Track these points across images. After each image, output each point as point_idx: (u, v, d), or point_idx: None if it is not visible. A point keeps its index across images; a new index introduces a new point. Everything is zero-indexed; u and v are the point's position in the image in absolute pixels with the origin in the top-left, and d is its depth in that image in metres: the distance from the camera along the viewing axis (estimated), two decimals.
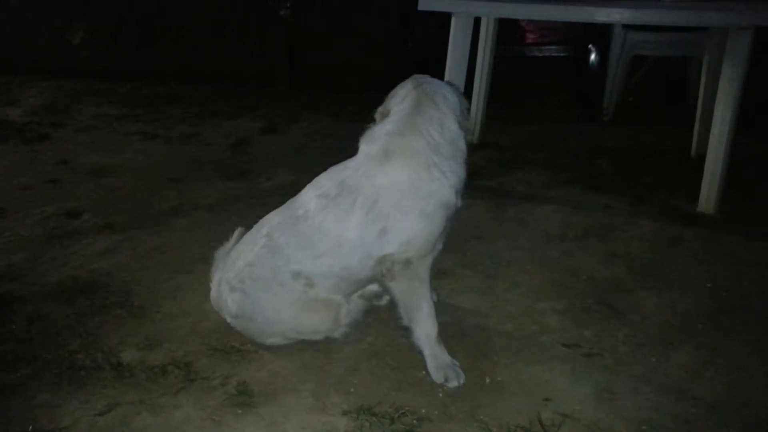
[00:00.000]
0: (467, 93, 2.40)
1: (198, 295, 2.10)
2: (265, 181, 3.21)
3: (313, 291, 1.76)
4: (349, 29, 5.04)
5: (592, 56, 4.19)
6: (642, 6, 2.63)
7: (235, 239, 1.99)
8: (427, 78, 1.89)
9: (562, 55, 4.51)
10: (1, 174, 3.37)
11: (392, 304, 1.81)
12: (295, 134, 4.01)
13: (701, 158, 2.75)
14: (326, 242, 1.72)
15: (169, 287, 2.21)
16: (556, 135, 3.85)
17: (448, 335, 1.83)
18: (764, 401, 1.63)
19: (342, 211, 1.70)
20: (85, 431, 1.58)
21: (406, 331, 1.77)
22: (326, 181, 1.78)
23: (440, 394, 1.66)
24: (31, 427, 1.58)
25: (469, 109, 1.92)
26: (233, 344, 1.87)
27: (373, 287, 1.91)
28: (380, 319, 1.98)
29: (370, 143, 1.78)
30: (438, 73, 2.11)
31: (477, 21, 3.04)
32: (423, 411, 1.60)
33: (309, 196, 1.79)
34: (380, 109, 1.88)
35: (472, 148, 1.91)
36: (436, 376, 1.70)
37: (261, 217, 1.91)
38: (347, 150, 1.84)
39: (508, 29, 4.08)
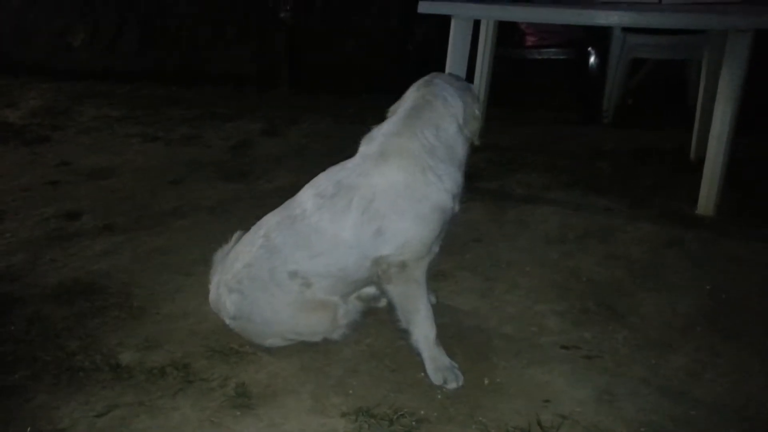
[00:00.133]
0: None
1: (197, 296, 2.10)
2: (266, 182, 3.22)
3: (310, 291, 1.76)
4: (349, 30, 5.05)
5: (592, 59, 4.20)
6: (641, 9, 2.64)
7: (234, 242, 1.99)
8: (440, 77, 1.88)
9: (561, 57, 4.51)
10: (1, 175, 3.38)
11: (391, 306, 1.81)
12: (295, 135, 4.01)
13: (701, 160, 2.75)
14: (322, 242, 1.72)
15: (168, 289, 2.21)
16: (555, 137, 3.86)
17: (447, 337, 1.83)
18: (764, 402, 1.62)
19: (338, 211, 1.70)
20: None
21: (405, 334, 1.76)
22: (323, 180, 1.79)
23: (439, 396, 1.66)
24: (29, 428, 1.58)
25: (477, 114, 1.86)
26: (232, 346, 1.87)
27: (371, 290, 1.91)
28: (379, 320, 1.98)
29: (369, 143, 1.79)
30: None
31: (477, 23, 3.04)
32: (422, 412, 1.60)
33: (306, 196, 1.79)
34: (392, 108, 1.89)
35: (472, 150, 1.88)
36: (435, 378, 1.70)
37: (261, 218, 1.91)
38: (347, 151, 1.84)
39: (507, 32, 4.08)
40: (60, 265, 2.39)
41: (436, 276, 2.17)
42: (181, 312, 2.07)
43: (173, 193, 3.09)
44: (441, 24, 3.06)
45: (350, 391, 1.69)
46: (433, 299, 2.01)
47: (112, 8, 5.60)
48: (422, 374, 1.73)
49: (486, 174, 3.18)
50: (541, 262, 2.35)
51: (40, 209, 2.91)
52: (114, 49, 5.60)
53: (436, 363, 1.72)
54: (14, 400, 1.69)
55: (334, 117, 4.35)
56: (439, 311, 1.85)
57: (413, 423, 1.56)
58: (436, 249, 1.76)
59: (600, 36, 4.07)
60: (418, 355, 1.75)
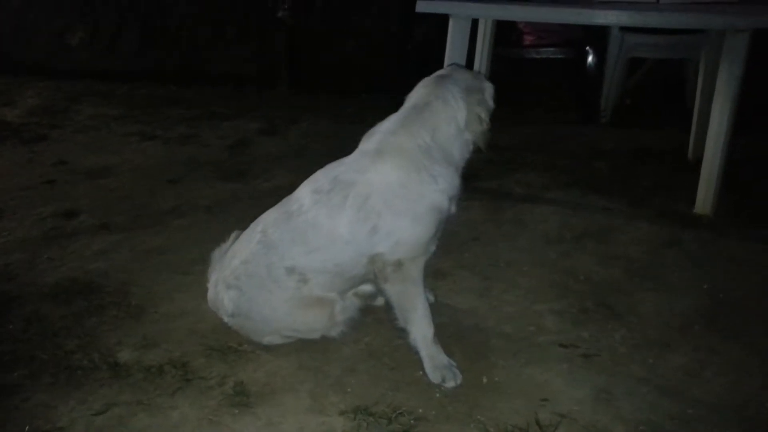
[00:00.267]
0: None
1: (195, 295, 2.10)
2: (264, 182, 3.21)
3: (307, 287, 1.76)
4: (349, 30, 5.04)
5: (590, 58, 4.20)
6: (639, 8, 2.64)
7: (232, 241, 1.99)
8: (456, 73, 1.86)
9: (559, 57, 4.52)
10: None
11: (389, 305, 1.81)
12: (294, 135, 4.01)
13: (698, 160, 2.75)
14: (319, 237, 1.72)
15: (166, 288, 2.21)
16: (554, 136, 3.86)
17: (445, 336, 1.83)
18: (762, 402, 1.63)
19: (334, 207, 1.71)
20: (82, 431, 1.57)
21: (403, 332, 1.77)
22: (321, 176, 1.80)
23: (438, 395, 1.66)
24: (27, 427, 1.58)
25: (481, 116, 1.79)
26: (230, 344, 1.87)
27: (368, 287, 1.91)
28: (378, 319, 1.98)
29: (367, 140, 1.80)
30: None
31: (475, 23, 3.04)
32: (420, 411, 1.60)
33: (304, 192, 1.80)
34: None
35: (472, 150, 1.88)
36: (434, 377, 1.70)
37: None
38: (347, 151, 1.84)
39: (506, 31, 4.09)
40: (58, 264, 2.39)
41: (434, 275, 2.17)
42: (179, 311, 2.07)
43: (171, 193, 3.09)
44: (440, 24, 3.06)
45: (349, 390, 1.69)
46: (432, 298, 2.02)
47: (112, 8, 5.59)
48: (420, 373, 1.73)
49: (485, 173, 3.18)
50: (539, 261, 2.35)
51: (38, 208, 2.91)
52: (114, 49, 5.59)
53: (435, 362, 1.72)
54: (12, 399, 1.68)
55: (333, 117, 4.34)
56: (437, 310, 1.85)
57: (411, 421, 1.56)
58: (432, 248, 1.76)
59: (598, 35, 4.08)
60: (417, 353, 1.75)
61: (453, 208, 1.77)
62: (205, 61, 5.38)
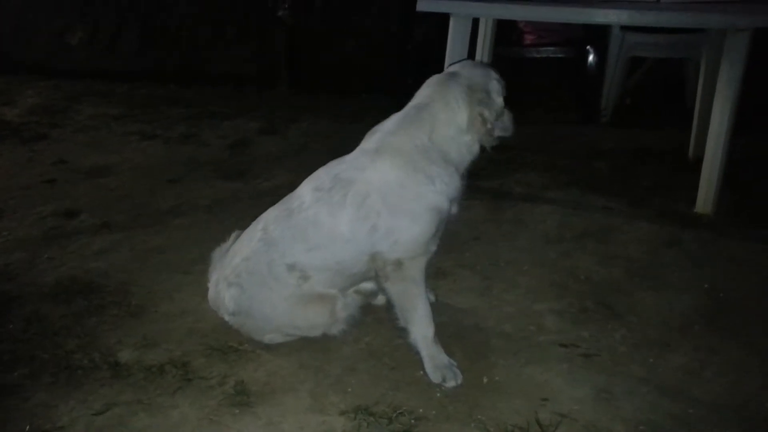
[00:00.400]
0: None
1: (196, 295, 2.10)
2: (264, 181, 3.21)
3: (308, 284, 1.76)
4: (349, 30, 5.04)
5: (590, 57, 4.20)
6: (640, 7, 2.63)
7: (233, 241, 1.99)
8: (466, 69, 1.83)
9: (560, 56, 4.51)
10: None
11: (389, 304, 1.81)
12: (294, 135, 4.01)
13: (699, 160, 2.75)
14: (319, 235, 1.73)
15: (167, 287, 2.21)
16: (554, 136, 3.86)
17: (446, 335, 1.83)
18: (762, 401, 1.63)
19: (334, 204, 1.71)
20: (82, 431, 1.58)
21: (403, 332, 1.77)
22: (322, 174, 1.80)
23: (438, 394, 1.66)
24: (28, 427, 1.58)
25: (484, 117, 1.75)
26: (231, 344, 1.87)
27: (369, 284, 1.91)
28: (378, 319, 1.98)
29: (368, 139, 1.80)
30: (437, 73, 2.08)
31: (475, 22, 3.04)
32: (420, 411, 1.60)
33: (305, 189, 1.80)
34: None
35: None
36: (434, 377, 1.70)
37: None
38: (347, 150, 1.84)
39: (506, 30, 4.08)
40: (58, 264, 2.39)
41: (435, 274, 2.17)
42: (179, 310, 2.07)
43: (171, 192, 3.09)
44: (441, 24, 3.06)
45: (349, 390, 1.69)
46: (432, 298, 2.02)
47: (112, 8, 5.59)
48: (421, 372, 1.73)
49: (485, 173, 3.17)
50: (539, 261, 2.35)
51: (38, 207, 2.91)
52: (114, 49, 5.59)
53: (435, 361, 1.72)
54: (13, 398, 1.68)
55: (333, 116, 4.34)
56: (437, 310, 1.85)
57: (412, 421, 1.56)
58: (433, 248, 1.76)
59: (599, 34, 4.07)
60: (417, 353, 1.75)
61: (454, 210, 1.77)
62: (205, 60, 5.38)
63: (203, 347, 1.86)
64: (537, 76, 4.82)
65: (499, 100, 1.82)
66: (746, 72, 2.48)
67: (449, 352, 1.76)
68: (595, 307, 2.05)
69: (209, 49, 5.37)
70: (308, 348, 1.85)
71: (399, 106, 1.85)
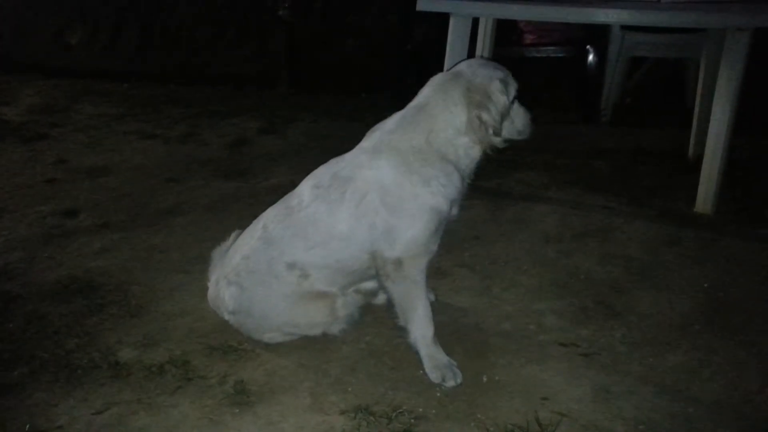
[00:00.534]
0: None
1: (196, 294, 2.10)
2: (264, 180, 3.21)
3: (308, 282, 1.76)
4: (348, 30, 5.05)
5: (590, 57, 4.20)
6: (640, 7, 2.64)
7: (233, 240, 1.99)
8: (470, 68, 1.76)
9: (560, 56, 4.51)
10: None
11: (389, 304, 1.81)
12: (293, 134, 4.01)
13: (699, 159, 2.75)
14: (318, 233, 1.73)
15: (166, 287, 2.21)
16: (554, 136, 3.86)
17: (445, 334, 1.83)
18: (762, 401, 1.63)
19: (333, 202, 1.71)
20: (82, 430, 1.57)
21: (403, 332, 1.77)
22: (322, 171, 1.80)
23: (438, 394, 1.66)
24: (28, 426, 1.58)
25: (481, 119, 1.68)
26: (231, 343, 1.87)
27: (370, 284, 1.91)
28: (378, 318, 1.98)
29: (368, 137, 1.80)
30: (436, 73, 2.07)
31: (475, 22, 3.04)
32: (420, 410, 1.60)
33: (305, 187, 1.80)
34: None
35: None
36: (434, 376, 1.70)
37: (258, 216, 1.91)
38: (346, 150, 1.84)
39: (506, 30, 4.08)
40: (58, 263, 2.39)
41: (434, 274, 2.17)
42: (179, 310, 2.07)
43: (171, 191, 3.09)
44: (441, 24, 3.06)
45: (349, 389, 1.69)
46: (432, 297, 2.02)
47: (112, 8, 5.60)
48: (421, 372, 1.73)
49: (485, 172, 3.14)
50: (539, 260, 2.35)
51: (38, 207, 2.91)
52: (113, 49, 5.60)
53: (434, 361, 1.72)
54: (12, 397, 1.68)
55: (333, 116, 4.35)
56: (437, 309, 1.85)
57: (412, 420, 1.56)
58: (434, 248, 1.75)
59: (599, 34, 4.07)
60: (417, 353, 1.75)
61: (454, 211, 1.76)
62: (205, 61, 5.39)
63: (203, 346, 1.86)
64: (537, 75, 4.81)
65: (501, 101, 1.72)
66: (746, 72, 2.48)
67: (449, 352, 1.76)
68: (594, 307, 2.05)
69: (209, 49, 5.38)
70: (308, 347, 1.85)
71: (399, 105, 1.85)
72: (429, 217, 1.69)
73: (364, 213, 1.69)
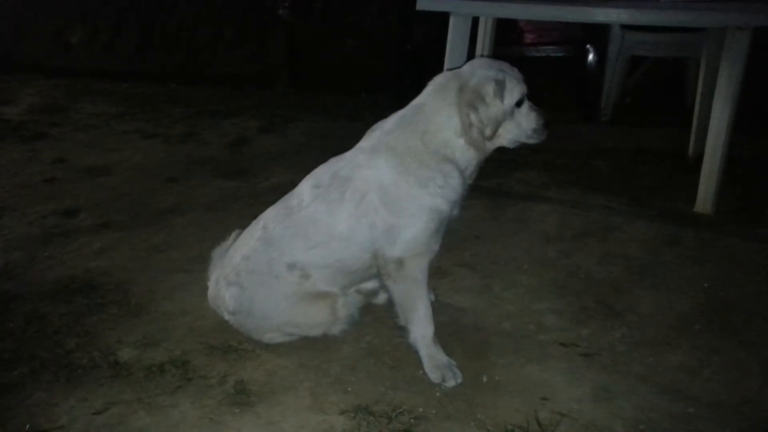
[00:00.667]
0: None
1: (196, 294, 2.10)
2: (263, 180, 3.21)
3: (309, 282, 1.76)
4: (348, 30, 5.04)
5: (590, 56, 4.20)
6: (640, 6, 2.63)
7: (233, 240, 1.99)
8: (457, 73, 1.75)
9: (560, 55, 4.51)
10: None
11: (390, 303, 1.81)
12: (293, 134, 4.01)
13: (699, 159, 2.75)
14: (319, 233, 1.73)
15: (166, 286, 2.21)
16: (554, 135, 3.82)
17: (445, 334, 1.83)
18: (762, 401, 1.63)
19: (333, 202, 1.71)
20: (82, 430, 1.58)
21: (403, 331, 1.77)
22: (322, 171, 1.80)
23: (438, 393, 1.66)
24: (28, 426, 1.58)
25: (474, 122, 1.67)
26: (231, 343, 1.87)
27: (371, 284, 1.91)
28: (378, 318, 1.98)
29: (368, 137, 1.80)
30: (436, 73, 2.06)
31: (475, 21, 3.04)
32: (420, 410, 1.60)
33: (304, 187, 1.80)
34: None
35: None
36: (433, 376, 1.70)
37: (258, 215, 1.91)
38: (346, 150, 1.84)
39: (506, 29, 4.08)
40: (58, 263, 2.39)
41: (434, 273, 2.17)
42: (179, 309, 2.07)
43: (171, 191, 3.09)
44: (441, 24, 3.06)
45: (349, 389, 1.69)
46: (432, 297, 2.02)
47: (112, 8, 5.60)
48: (421, 372, 1.73)
49: (485, 172, 3.15)
50: (539, 260, 2.35)
51: (38, 206, 2.91)
52: (113, 49, 5.60)
53: (434, 361, 1.72)
54: (12, 397, 1.68)
55: (332, 116, 4.34)
56: (437, 309, 1.85)
57: (412, 420, 1.56)
58: (435, 248, 1.74)
59: (599, 33, 4.07)
60: (417, 353, 1.75)
61: (455, 212, 1.75)
62: (205, 61, 5.39)
63: (203, 346, 1.86)
64: (537, 75, 4.80)
65: (494, 103, 1.68)
66: (746, 72, 2.47)
67: (449, 351, 1.76)
68: (595, 306, 2.05)
69: (209, 49, 5.38)
70: (308, 347, 1.84)
71: (399, 105, 1.85)
72: (429, 217, 1.69)
73: (364, 212, 1.69)
